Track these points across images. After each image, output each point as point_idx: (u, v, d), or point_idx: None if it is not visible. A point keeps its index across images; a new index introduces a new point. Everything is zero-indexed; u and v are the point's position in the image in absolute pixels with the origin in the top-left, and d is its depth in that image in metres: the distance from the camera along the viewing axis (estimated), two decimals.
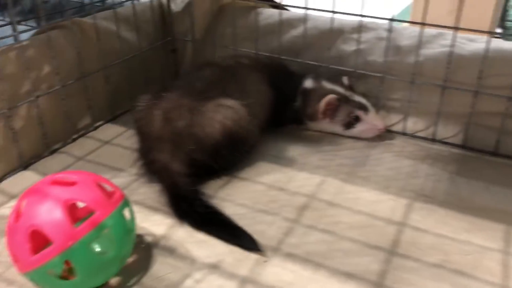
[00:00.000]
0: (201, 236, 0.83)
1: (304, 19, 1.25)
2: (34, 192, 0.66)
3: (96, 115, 1.20)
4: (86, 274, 0.65)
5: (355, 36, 1.22)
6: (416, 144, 1.15)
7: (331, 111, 1.14)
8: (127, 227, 0.70)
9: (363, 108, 1.15)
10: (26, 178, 1.00)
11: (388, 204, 0.93)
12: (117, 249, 0.68)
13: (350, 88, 1.18)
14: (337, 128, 1.17)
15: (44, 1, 1.88)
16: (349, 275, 0.76)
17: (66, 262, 0.64)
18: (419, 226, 0.87)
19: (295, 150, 1.11)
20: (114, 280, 0.73)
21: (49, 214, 0.63)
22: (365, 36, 1.23)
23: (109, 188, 0.71)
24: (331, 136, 1.17)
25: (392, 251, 0.81)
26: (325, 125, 1.17)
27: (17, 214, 0.66)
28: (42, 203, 0.64)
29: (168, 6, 1.40)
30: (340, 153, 1.10)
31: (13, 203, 0.91)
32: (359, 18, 1.16)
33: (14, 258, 0.66)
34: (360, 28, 1.19)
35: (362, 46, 1.22)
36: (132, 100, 1.27)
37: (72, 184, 0.67)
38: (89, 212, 0.66)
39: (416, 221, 0.88)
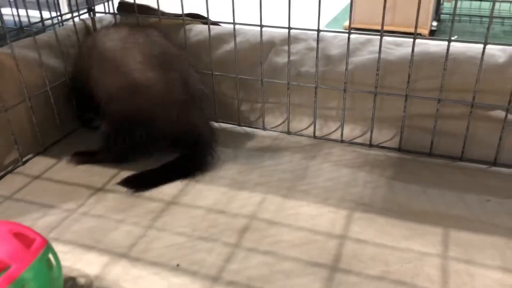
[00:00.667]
0: (136, 272, 0.80)
1: (233, 34, 1.23)
2: None
3: (23, 150, 1.13)
4: None
5: (286, 48, 1.22)
6: (354, 151, 1.15)
7: None
8: (51, 276, 0.66)
9: None
10: None
11: (328, 217, 0.92)
12: None
13: None
14: None
15: None
16: None
17: None
18: (360, 238, 0.87)
19: (234, 168, 1.09)
20: None
21: None
22: (296, 47, 1.24)
23: (29, 235, 0.66)
24: (271, 150, 1.16)
25: (334, 267, 0.80)
26: None
27: None
28: None
29: (94, 28, 1.35)
30: (280, 167, 1.09)
31: None
32: (287, 30, 1.16)
33: None
34: (289, 40, 1.19)
35: (294, 58, 1.22)
36: (62, 129, 1.22)
37: None
38: (5, 267, 0.61)
39: (356, 232, 0.88)
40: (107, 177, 1.06)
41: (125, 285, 0.77)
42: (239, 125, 1.29)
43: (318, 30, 1.12)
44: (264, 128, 1.27)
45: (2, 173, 1.09)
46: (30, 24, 1.19)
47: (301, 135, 1.23)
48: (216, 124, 1.28)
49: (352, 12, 1.11)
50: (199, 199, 0.99)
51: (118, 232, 0.89)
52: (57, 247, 0.74)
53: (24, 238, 0.65)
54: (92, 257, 0.83)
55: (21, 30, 1.28)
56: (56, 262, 0.68)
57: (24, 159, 1.13)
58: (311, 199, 0.98)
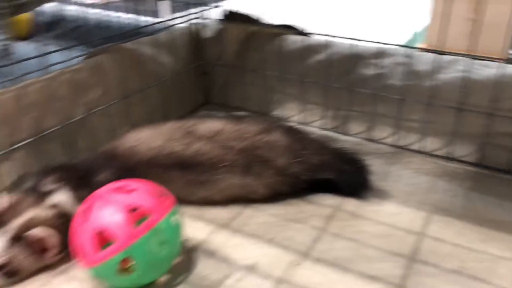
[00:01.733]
0: (237, 240, 0.92)
1: (326, 45, 1.35)
2: (99, 198, 0.76)
3: None
4: (144, 270, 0.74)
5: (374, 61, 1.32)
6: (434, 162, 1.23)
7: None
8: (177, 230, 0.79)
9: None
10: None
11: (408, 216, 1.00)
12: (168, 249, 0.77)
13: None
14: None
15: (78, 26, 2.02)
16: (373, 278, 0.83)
17: (126, 259, 0.73)
18: (438, 236, 0.94)
19: None
20: (163, 278, 0.82)
21: (112, 217, 0.73)
22: (385, 61, 1.33)
23: (162, 193, 0.80)
24: None
25: (412, 258, 0.88)
26: None
27: (84, 216, 0.75)
28: (107, 207, 0.74)
29: (201, 33, 1.52)
30: None
31: None
32: (378, 44, 1.25)
33: (81, 255, 0.75)
34: (378, 54, 1.28)
35: (381, 71, 1.31)
36: (166, 118, 1.38)
37: (131, 191, 0.76)
38: (145, 215, 0.75)
39: (434, 231, 0.96)
40: None
41: (227, 250, 0.89)
42: (323, 129, 1.40)
43: (409, 47, 1.21)
44: (344, 134, 1.36)
45: None
46: (146, 26, 1.37)
47: (382, 143, 1.31)
48: (300, 127, 1.40)
49: (428, 34, 1.19)
50: None
51: (219, 208, 1.02)
52: None
53: (159, 196, 0.79)
54: (200, 225, 0.97)
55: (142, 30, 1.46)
56: (179, 220, 0.81)
57: None
58: (392, 199, 1.06)
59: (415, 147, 1.29)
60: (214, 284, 0.82)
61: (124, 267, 0.75)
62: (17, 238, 0.80)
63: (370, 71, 1.35)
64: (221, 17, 1.52)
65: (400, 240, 0.93)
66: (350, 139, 1.34)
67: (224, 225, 0.97)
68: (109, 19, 1.68)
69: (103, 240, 0.73)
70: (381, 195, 1.08)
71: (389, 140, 1.32)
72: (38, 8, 2.15)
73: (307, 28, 1.43)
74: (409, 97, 1.27)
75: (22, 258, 0.80)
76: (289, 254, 0.89)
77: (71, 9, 1.84)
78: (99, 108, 1.17)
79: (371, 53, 1.36)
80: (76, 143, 1.12)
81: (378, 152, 1.28)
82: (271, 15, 1.47)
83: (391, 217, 1.00)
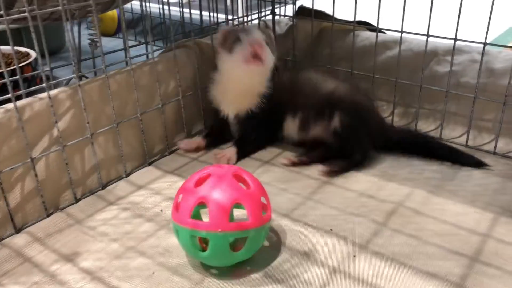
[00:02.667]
0: (297, 229, 0.95)
1: (399, 41, 1.33)
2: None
3: (207, 123, 1.37)
4: (245, 253, 0.83)
5: (448, 58, 1.28)
6: (506, 163, 1.18)
7: (225, 42, 1.20)
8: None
9: (248, 33, 1.17)
10: (150, 172, 1.19)
11: (473, 217, 0.98)
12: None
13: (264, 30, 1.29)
14: (234, 59, 1.17)
15: (162, 22, 2.14)
16: (431, 275, 0.83)
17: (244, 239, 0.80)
18: (504, 239, 0.91)
19: (384, 163, 1.19)
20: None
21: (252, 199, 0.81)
22: (459, 58, 1.29)
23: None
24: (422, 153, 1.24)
25: (474, 258, 0.87)
26: (228, 60, 1.19)
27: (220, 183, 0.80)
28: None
29: (273, 28, 1.56)
30: (429, 168, 1.17)
31: (141, 192, 1.10)
32: (452, 41, 1.22)
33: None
34: (453, 51, 1.25)
35: (455, 68, 1.28)
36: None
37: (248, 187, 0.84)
38: (265, 209, 0.84)
39: (500, 234, 0.93)
40: (274, 153, 1.25)
41: (286, 238, 0.93)
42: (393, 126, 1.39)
43: (485, 44, 1.17)
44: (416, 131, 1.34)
45: (190, 139, 1.33)
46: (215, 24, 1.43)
47: (453, 143, 1.28)
48: None
49: None
50: (352, 184, 1.11)
51: (282, 197, 1.06)
52: None
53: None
54: None
55: (218, 25, 1.53)
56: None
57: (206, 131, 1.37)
58: (458, 199, 1.04)
59: (487, 147, 1.24)
60: (272, 268, 0.85)
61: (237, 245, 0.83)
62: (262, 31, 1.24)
63: (443, 68, 1.32)
64: (293, 14, 1.55)
65: (463, 239, 0.92)
66: None
67: (286, 215, 1.00)
68: (187, 16, 1.77)
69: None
70: (448, 194, 1.06)
71: (460, 140, 1.29)
72: (125, 7, 2.30)
73: (381, 24, 1.42)
74: (483, 95, 1.22)
75: (269, 42, 1.22)
76: (346, 245, 0.91)
77: (153, 7, 1.96)
78: (173, 99, 1.25)
79: (446, 50, 1.33)
80: (150, 132, 1.21)
81: None
82: (345, 11, 1.48)
83: (455, 217, 0.98)
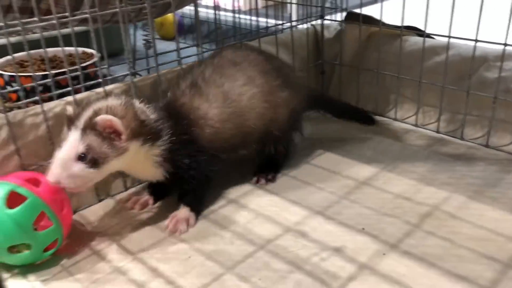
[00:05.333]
0: (329, 227, 0.98)
1: (447, 47, 1.32)
2: None
3: None
4: None
5: (499, 64, 1.26)
6: None
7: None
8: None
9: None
10: None
11: None
12: None
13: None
14: None
15: (218, 27, 2.23)
16: (461, 277, 0.83)
17: None
18: None
19: (425, 166, 1.19)
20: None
21: None
22: (510, 64, 1.26)
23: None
24: (465, 158, 1.22)
25: (508, 265, 0.85)
26: None
27: None
28: None
29: (322, 33, 1.59)
30: (471, 174, 1.15)
31: None
32: (502, 46, 1.20)
33: None
34: (503, 57, 1.22)
35: (505, 74, 1.25)
36: None
37: None
38: None
39: None
40: (313, 154, 1.28)
41: (318, 233, 0.96)
42: (437, 132, 1.37)
43: None
44: (462, 138, 1.32)
45: None
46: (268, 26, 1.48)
47: (502, 151, 1.25)
48: (415, 128, 1.39)
49: None
50: (388, 186, 1.12)
51: (317, 196, 1.09)
52: (270, 197, 1.05)
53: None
54: (296, 209, 1.04)
55: (266, 31, 1.58)
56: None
57: None
58: (498, 206, 1.02)
59: None
60: (301, 259, 0.89)
61: None
62: (89, 128, 0.88)
63: (493, 74, 1.29)
64: (342, 19, 1.57)
65: (498, 245, 0.90)
66: (465, 144, 1.30)
67: (319, 212, 1.03)
68: (241, 21, 1.84)
69: None
70: (488, 200, 1.04)
71: (509, 148, 1.25)
72: (183, 12, 2.42)
73: (430, 29, 1.42)
74: None
75: (98, 144, 0.88)
76: (376, 243, 0.92)
77: (211, 12, 2.05)
78: None
79: (496, 55, 1.30)
80: None
81: (494, 158, 1.22)
82: (394, 17, 1.48)
83: (493, 223, 0.97)
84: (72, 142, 0.88)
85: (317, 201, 1.07)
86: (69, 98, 1.05)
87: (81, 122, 0.89)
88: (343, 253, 0.90)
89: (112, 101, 0.93)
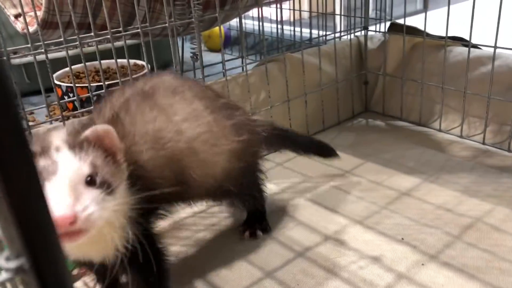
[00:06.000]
0: (367, 237, 0.99)
1: (493, 57, 1.30)
2: None
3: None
4: None
5: None
6: None
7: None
8: None
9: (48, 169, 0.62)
10: None
11: None
12: None
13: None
14: None
15: (262, 39, 2.28)
16: None
17: None
18: None
19: (469, 178, 1.18)
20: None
21: None
22: None
23: None
24: (511, 168, 1.20)
25: None
26: None
27: None
28: None
29: (365, 43, 1.60)
30: None
31: None
32: None
33: None
34: None
35: None
36: (324, 123, 1.50)
37: None
38: None
39: None
40: (354, 164, 1.29)
41: (357, 242, 0.97)
42: (483, 143, 1.35)
43: None
44: (509, 150, 1.30)
45: None
46: (312, 38, 1.51)
47: None
48: (459, 139, 1.38)
49: None
50: (430, 196, 1.11)
51: (357, 205, 1.10)
52: (311, 205, 1.08)
53: None
54: (335, 218, 1.06)
55: (310, 42, 1.62)
56: None
57: None
58: None
59: None
60: (339, 266, 0.90)
61: None
62: (83, 143, 0.66)
63: None
64: (386, 30, 1.58)
65: None
66: (511, 155, 1.28)
67: (359, 221, 1.04)
68: (286, 32, 1.87)
69: None
70: None
71: None
72: (230, 25, 2.49)
73: (476, 39, 1.40)
74: None
75: (101, 162, 0.66)
76: (416, 254, 0.92)
77: (255, 24, 2.10)
78: (263, 108, 1.35)
79: None
80: None
81: None
82: (438, 27, 1.47)
83: None
84: (68, 162, 0.63)
85: (356, 211, 1.08)
86: None
87: (68, 139, 0.66)
88: (381, 262, 0.91)
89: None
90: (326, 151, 1.21)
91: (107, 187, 0.64)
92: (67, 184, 0.60)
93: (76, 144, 0.66)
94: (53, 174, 0.60)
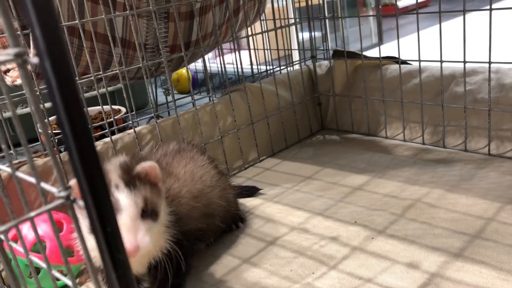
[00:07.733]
0: (327, 224, 1.17)
1: (421, 70, 1.54)
2: None
3: (260, 152, 1.64)
4: None
5: (466, 79, 1.46)
6: None
7: None
8: None
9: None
10: None
11: (482, 206, 1.14)
12: None
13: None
14: None
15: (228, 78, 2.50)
16: (435, 248, 1.00)
17: None
18: (505, 221, 1.06)
19: (411, 171, 1.38)
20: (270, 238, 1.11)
21: None
22: (474, 78, 1.47)
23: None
24: (446, 161, 1.41)
25: (476, 236, 1.03)
26: None
27: None
28: None
29: (315, 70, 1.83)
30: (450, 173, 1.34)
31: None
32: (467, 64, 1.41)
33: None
34: (469, 73, 1.43)
35: (471, 87, 1.46)
36: (286, 141, 1.69)
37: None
38: None
39: (504, 218, 1.08)
40: (313, 171, 1.48)
41: (318, 228, 1.15)
42: (423, 143, 1.57)
43: (490, 62, 1.35)
44: (444, 146, 1.51)
45: (247, 166, 1.60)
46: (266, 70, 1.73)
47: (479, 153, 1.43)
48: (403, 143, 1.59)
49: None
50: (378, 188, 1.31)
51: (317, 202, 1.28)
52: (278, 206, 1.24)
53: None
54: (299, 213, 1.24)
55: (266, 73, 1.83)
56: None
57: (260, 159, 1.64)
58: (471, 194, 1.20)
59: (509, 154, 1.38)
60: (304, 248, 1.07)
61: None
62: (135, 181, 0.84)
63: (462, 88, 1.50)
64: (330, 56, 1.82)
65: (468, 223, 1.08)
66: (447, 150, 1.49)
67: (319, 213, 1.22)
68: (246, 70, 2.10)
69: None
70: (462, 191, 1.22)
71: (485, 150, 1.44)
72: (197, 69, 2.71)
73: (405, 57, 1.64)
74: (497, 108, 1.38)
75: (148, 194, 0.84)
76: (366, 231, 1.10)
77: (218, 66, 2.32)
78: (230, 132, 1.54)
79: (461, 72, 1.51)
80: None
81: (471, 159, 1.41)
82: (374, 50, 1.72)
83: (466, 207, 1.15)
84: (128, 201, 0.81)
85: (317, 206, 1.26)
86: (106, 140, 1.29)
87: (123, 176, 0.83)
88: (339, 240, 1.08)
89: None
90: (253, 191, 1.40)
91: (154, 215, 0.85)
92: (129, 221, 0.80)
93: (130, 181, 0.84)
94: (118, 211, 0.80)
